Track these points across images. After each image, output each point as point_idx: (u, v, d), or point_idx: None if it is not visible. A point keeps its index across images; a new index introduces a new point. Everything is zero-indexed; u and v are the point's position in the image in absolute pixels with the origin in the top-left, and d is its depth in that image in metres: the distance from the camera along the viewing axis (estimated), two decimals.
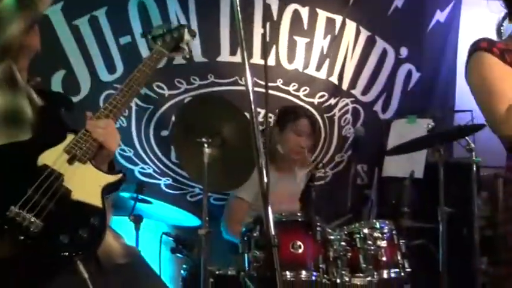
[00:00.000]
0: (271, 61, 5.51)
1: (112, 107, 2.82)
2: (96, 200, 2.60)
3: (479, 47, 2.79)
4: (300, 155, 4.79)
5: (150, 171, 5.32)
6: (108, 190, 2.69)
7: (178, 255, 4.32)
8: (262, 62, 5.37)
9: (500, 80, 2.71)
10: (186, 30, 3.25)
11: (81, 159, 2.64)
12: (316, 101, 5.68)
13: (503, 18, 7.10)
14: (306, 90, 5.64)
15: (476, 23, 6.40)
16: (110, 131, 2.74)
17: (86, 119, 2.78)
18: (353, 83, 5.87)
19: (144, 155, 5.28)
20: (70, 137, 2.69)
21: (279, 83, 5.54)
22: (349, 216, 4.59)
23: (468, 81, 2.86)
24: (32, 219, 2.37)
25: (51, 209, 2.43)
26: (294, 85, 5.60)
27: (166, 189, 5.37)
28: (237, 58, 5.31)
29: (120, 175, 2.75)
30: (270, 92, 5.27)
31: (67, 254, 2.42)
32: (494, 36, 7.03)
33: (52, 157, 2.58)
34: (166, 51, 3.16)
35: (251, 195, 4.64)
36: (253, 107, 2.14)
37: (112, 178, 2.73)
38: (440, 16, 6.09)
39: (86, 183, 2.61)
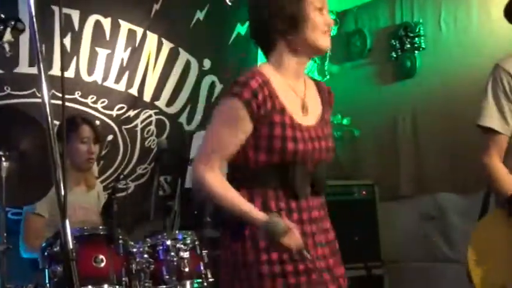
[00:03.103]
0: (70, 73, 5.40)
1: None
2: None
3: (240, 96, 2.61)
4: (92, 163, 4.75)
5: None
6: None
7: None
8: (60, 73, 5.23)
9: (228, 137, 2.64)
10: (13, 24, 2.99)
11: None
12: (114, 113, 5.63)
13: None
14: (104, 102, 5.57)
15: None
16: None
17: None
18: (157, 95, 5.87)
19: None
20: None
21: (77, 95, 5.43)
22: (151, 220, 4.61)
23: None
24: None
25: None
26: (93, 97, 5.51)
27: None
28: (36, 69, 5.16)
29: None
30: (68, 104, 5.24)
31: None
32: None
33: None
34: None
35: (46, 210, 4.53)
36: (49, 119, 2.10)
37: None
38: (240, 29, 6.25)
39: None
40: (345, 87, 6.61)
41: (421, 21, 6.01)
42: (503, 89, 3.41)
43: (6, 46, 2.93)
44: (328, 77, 6.75)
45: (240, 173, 2.70)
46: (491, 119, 3.43)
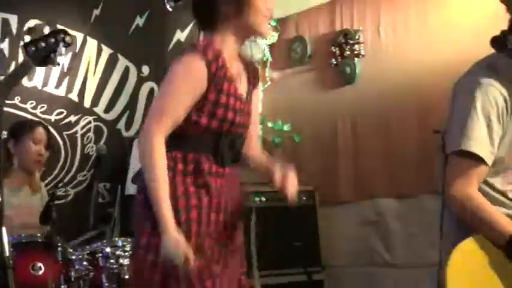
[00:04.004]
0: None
1: None
2: None
3: (205, 54, 2.73)
4: (40, 164, 4.75)
5: None
6: None
7: None
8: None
9: (185, 95, 2.72)
10: (63, 38, 2.95)
11: None
12: (53, 118, 5.57)
13: None
14: (43, 107, 5.51)
15: None
16: None
17: None
18: (95, 101, 5.83)
19: None
20: None
21: (17, 100, 5.37)
22: (92, 233, 4.56)
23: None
24: None
25: None
26: (32, 102, 5.46)
27: None
28: None
29: None
30: (8, 109, 5.19)
31: None
32: None
33: None
34: (33, 65, 2.82)
35: None
36: None
37: None
38: (180, 36, 6.23)
39: None
40: (286, 93, 6.65)
41: (360, 28, 6.07)
42: (497, 111, 2.82)
43: (57, 59, 2.88)
44: (269, 83, 6.77)
45: (176, 136, 2.76)
46: (482, 146, 2.80)
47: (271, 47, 6.76)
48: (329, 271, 5.89)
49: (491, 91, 2.82)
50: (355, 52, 6.07)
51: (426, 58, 5.50)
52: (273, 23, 6.74)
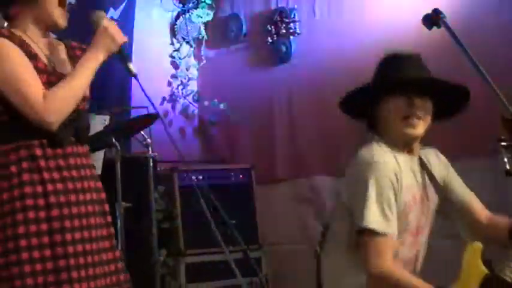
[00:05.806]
0: None
1: None
2: None
3: (6, 36, 2.76)
4: None
5: None
6: None
7: None
8: None
9: (25, 68, 2.74)
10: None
11: None
12: None
13: (176, 17, 7.39)
14: None
15: (150, 20, 6.56)
16: None
17: None
18: None
19: None
20: None
21: None
22: None
23: None
24: None
25: None
26: None
27: None
28: None
29: None
30: None
31: None
32: (167, 34, 7.24)
33: None
34: None
35: None
36: None
37: None
38: (113, 14, 6.13)
39: None
40: (222, 72, 6.64)
41: (295, 6, 6.08)
42: (392, 185, 2.85)
43: None
44: (204, 61, 6.75)
45: (3, 127, 2.74)
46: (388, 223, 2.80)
47: (207, 25, 6.73)
48: (266, 249, 5.92)
49: (381, 167, 2.86)
50: (291, 30, 6.08)
51: (361, 36, 5.55)
52: (208, 1, 6.71)
